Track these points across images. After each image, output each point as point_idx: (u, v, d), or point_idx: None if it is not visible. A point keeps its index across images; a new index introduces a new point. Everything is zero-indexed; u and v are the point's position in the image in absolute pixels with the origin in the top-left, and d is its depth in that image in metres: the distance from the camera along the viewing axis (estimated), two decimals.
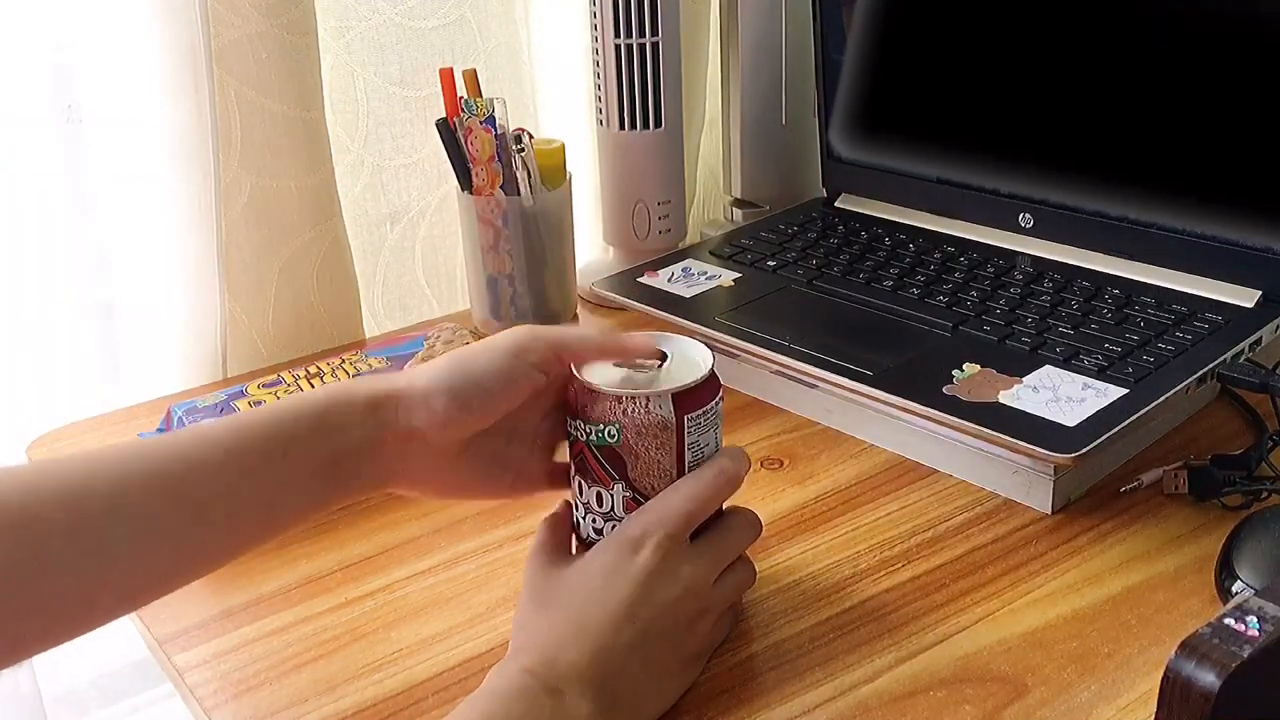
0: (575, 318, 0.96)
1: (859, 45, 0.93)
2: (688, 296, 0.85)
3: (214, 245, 0.84)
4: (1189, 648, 0.43)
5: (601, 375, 0.56)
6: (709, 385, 0.56)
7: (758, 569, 0.60)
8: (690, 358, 0.58)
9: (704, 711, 0.55)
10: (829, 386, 0.75)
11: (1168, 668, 0.43)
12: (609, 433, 0.55)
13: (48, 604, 0.47)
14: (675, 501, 0.55)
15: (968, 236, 0.90)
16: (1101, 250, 0.83)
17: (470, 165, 0.89)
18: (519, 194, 0.89)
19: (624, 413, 0.55)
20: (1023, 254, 0.86)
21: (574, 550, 0.59)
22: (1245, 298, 0.77)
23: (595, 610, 0.53)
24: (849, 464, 0.74)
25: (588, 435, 0.56)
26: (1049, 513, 0.68)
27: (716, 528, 0.57)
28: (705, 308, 0.83)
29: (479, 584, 0.65)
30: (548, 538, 0.58)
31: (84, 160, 0.84)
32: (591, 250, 1.06)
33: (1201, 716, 0.42)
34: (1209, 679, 0.42)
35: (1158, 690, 0.44)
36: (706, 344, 0.59)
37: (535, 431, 0.60)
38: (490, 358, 0.56)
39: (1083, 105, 0.81)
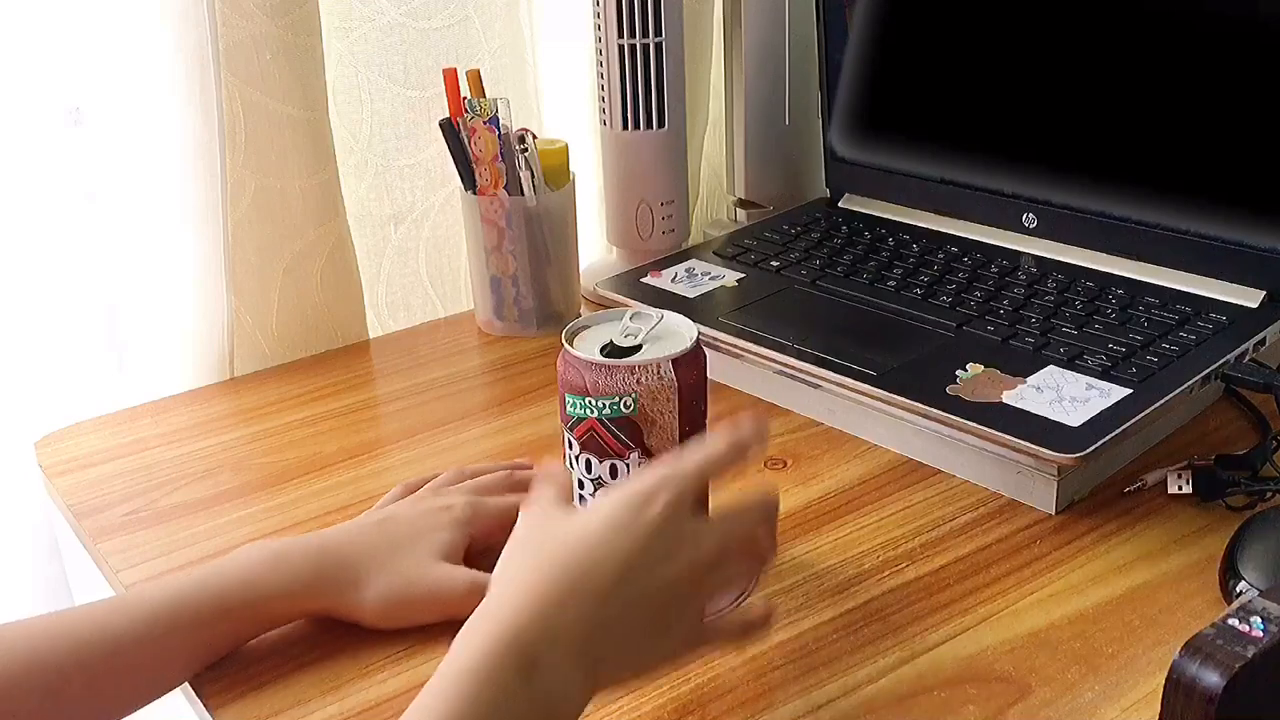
0: (579, 317, 0.97)
1: (862, 45, 0.93)
2: (691, 297, 0.85)
3: (220, 246, 0.84)
4: (1193, 648, 0.43)
5: (592, 350, 0.58)
6: (700, 349, 0.59)
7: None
8: (672, 328, 0.60)
9: (709, 710, 0.55)
10: (832, 387, 0.75)
11: (1172, 668, 0.43)
12: (625, 404, 0.57)
13: None
14: (687, 460, 0.52)
15: (971, 236, 0.90)
16: (1105, 250, 0.83)
17: (474, 165, 0.89)
18: (522, 194, 0.89)
19: (638, 382, 0.56)
20: (1026, 254, 0.86)
21: None
22: (1249, 298, 0.76)
23: (595, 568, 0.49)
24: (852, 464, 0.74)
25: (600, 410, 0.57)
26: (1053, 513, 0.68)
27: (730, 507, 0.53)
28: (709, 308, 0.83)
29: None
30: (545, 490, 0.54)
31: (90, 161, 0.84)
32: (595, 250, 1.06)
33: (1205, 717, 0.42)
34: (1213, 679, 0.42)
35: (1161, 691, 0.44)
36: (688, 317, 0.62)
37: None
38: (429, 609, 0.60)
39: (1086, 105, 0.81)
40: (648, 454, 0.58)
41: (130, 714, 0.56)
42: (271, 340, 0.91)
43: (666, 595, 0.50)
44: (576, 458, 0.59)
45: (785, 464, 0.75)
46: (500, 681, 0.45)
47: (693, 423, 0.58)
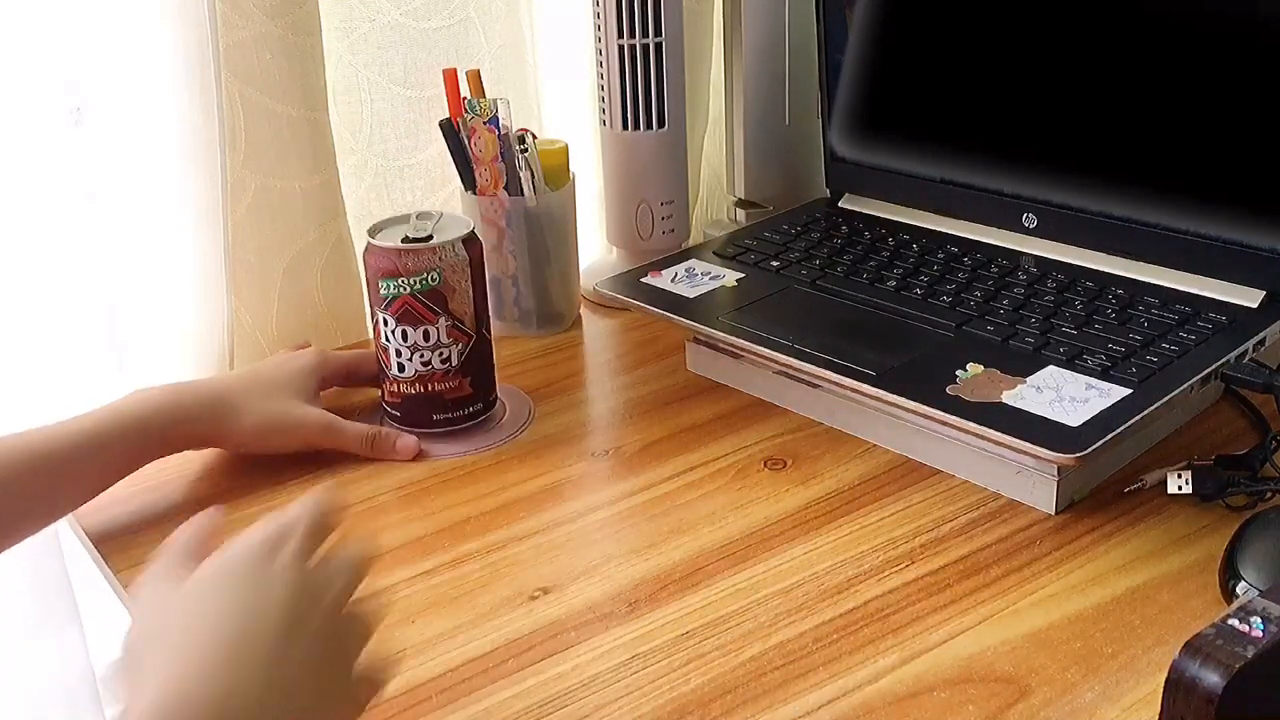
0: (579, 319, 0.97)
1: (862, 45, 0.93)
2: (691, 297, 0.85)
3: (221, 246, 0.84)
4: (1193, 648, 0.43)
5: (393, 239, 0.73)
6: (476, 234, 0.76)
7: (760, 569, 0.60)
8: (451, 220, 0.76)
9: (709, 710, 0.55)
10: (832, 386, 0.75)
11: (1172, 668, 0.43)
12: (431, 278, 0.73)
13: None
14: (284, 517, 0.49)
15: (971, 236, 0.90)
16: (1105, 250, 0.83)
17: (474, 166, 0.89)
18: (522, 194, 0.89)
19: (440, 259, 0.73)
20: (1026, 254, 0.86)
21: (384, 398, 0.79)
22: (1249, 298, 0.76)
23: (251, 631, 0.43)
24: (852, 464, 0.74)
25: (412, 286, 0.73)
26: (1052, 513, 0.68)
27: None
28: (708, 308, 0.83)
29: (482, 584, 0.65)
30: (169, 557, 0.49)
31: (91, 161, 0.84)
32: (595, 250, 1.06)
33: (1205, 717, 0.42)
34: (1213, 679, 0.42)
35: (1161, 691, 0.44)
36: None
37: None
38: (293, 438, 0.76)
39: (1086, 105, 0.81)
40: (452, 317, 0.74)
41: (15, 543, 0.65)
42: (271, 340, 0.91)
43: (330, 638, 0.46)
44: (392, 332, 0.74)
45: (785, 464, 0.75)
46: None
47: (480, 289, 0.75)
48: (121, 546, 0.69)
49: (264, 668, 0.43)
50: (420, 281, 0.73)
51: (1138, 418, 0.66)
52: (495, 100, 0.88)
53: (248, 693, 0.42)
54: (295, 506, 0.50)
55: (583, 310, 0.98)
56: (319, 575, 0.47)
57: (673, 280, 0.87)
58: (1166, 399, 0.67)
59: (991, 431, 0.66)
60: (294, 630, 0.44)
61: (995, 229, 0.88)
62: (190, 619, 0.44)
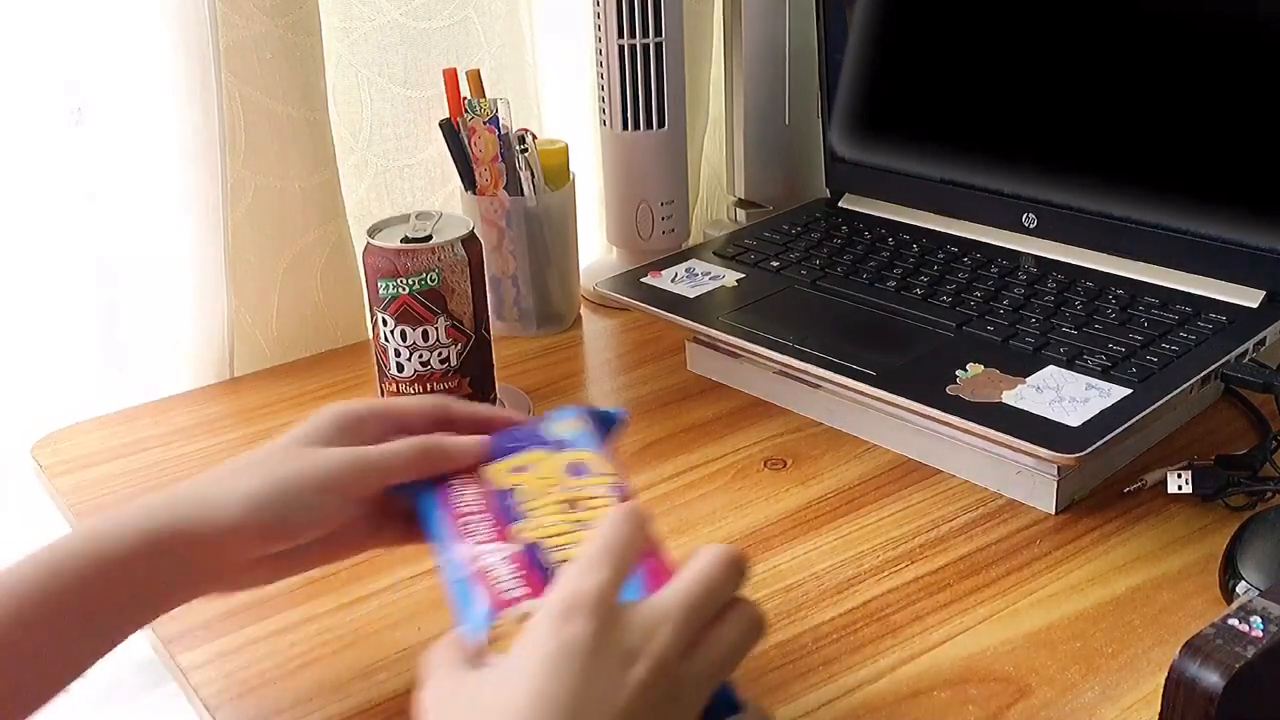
0: (579, 319, 0.97)
1: (862, 45, 0.93)
2: (691, 297, 0.85)
3: (221, 246, 0.84)
4: (1193, 648, 0.43)
5: (392, 240, 0.72)
6: (475, 234, 0.75)
7: (760, 569, 0.60)
8: (451, 220, 0.75)
9: None
10: (832, 387, 0.75)
11: (1172, 668, 0.43)
12: (430, 278, 0.71)
13: None
14: (593, 554, 0.43)
15: (971, 236, 0.89)
16: (1105, 250, 0.83)
17: (474, 166, 0.89)
18: (522, 194, 0.89)
19: (439, 259, 0.72)
20: (1026, 254, 0.86)
21: (380, 391, 0.75)
22: (1249, 298, 0.76)
23: (527, 709, 0.39)
24: (852, 464, 0.74)
25: (411, 287, 0.71)
26: (1052, 513, 0.68)
27: (684, 572, 0.45)
28: (708, 308, 0.83)
29: None
30: (440, 655, 0.45)
31: (91, 161, 0.84)
32: (595, 251, 1.06)
33: (1205, 717, 0.42)
34: (1213, 679, 0.42)
35: (1161, 691, 0.44)
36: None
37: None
38: (307, 494, 0.50)
39: (1086, 105, 0.81)
40: (451, 317, 0.73)
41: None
42: (271, 340, 0.91)
43: (640, 708, 0.40)
44: (391, 332, 0.73)
45: (785, 464, 0.75)
46: None
47: (480, 289, 0.74)
48: None
49: None
50: (419, 282, 0.72)
51: (1138, 418, 0.66)
52: (495, 100, 0.88)
53: None
54: (586, 551, 0.43)
55: (583, 310, 0.98)
56: (620, 633, 0.41)
57: (673, 280, 0.87)
58: (1166, 399, 0.67)
59: (991, 431, 0.66)
60: (591, 708, 0.40)
61: (995, 229, 0.88)
62: (482, 703, 0.40)
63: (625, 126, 0.94)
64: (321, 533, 0.52)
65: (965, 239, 0.89)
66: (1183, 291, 0.79)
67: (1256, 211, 0.75)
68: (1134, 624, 0.59)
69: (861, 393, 0.72)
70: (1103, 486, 0.70)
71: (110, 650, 0.50)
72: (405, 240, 0.73)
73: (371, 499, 0.53)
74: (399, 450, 0.52)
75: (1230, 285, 0.77)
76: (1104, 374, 0.70)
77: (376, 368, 0.78)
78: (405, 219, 0.75)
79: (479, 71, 0.89)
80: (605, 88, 0.94)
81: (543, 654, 0.40)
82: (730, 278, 0.88)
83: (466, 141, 0.88)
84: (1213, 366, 0.70)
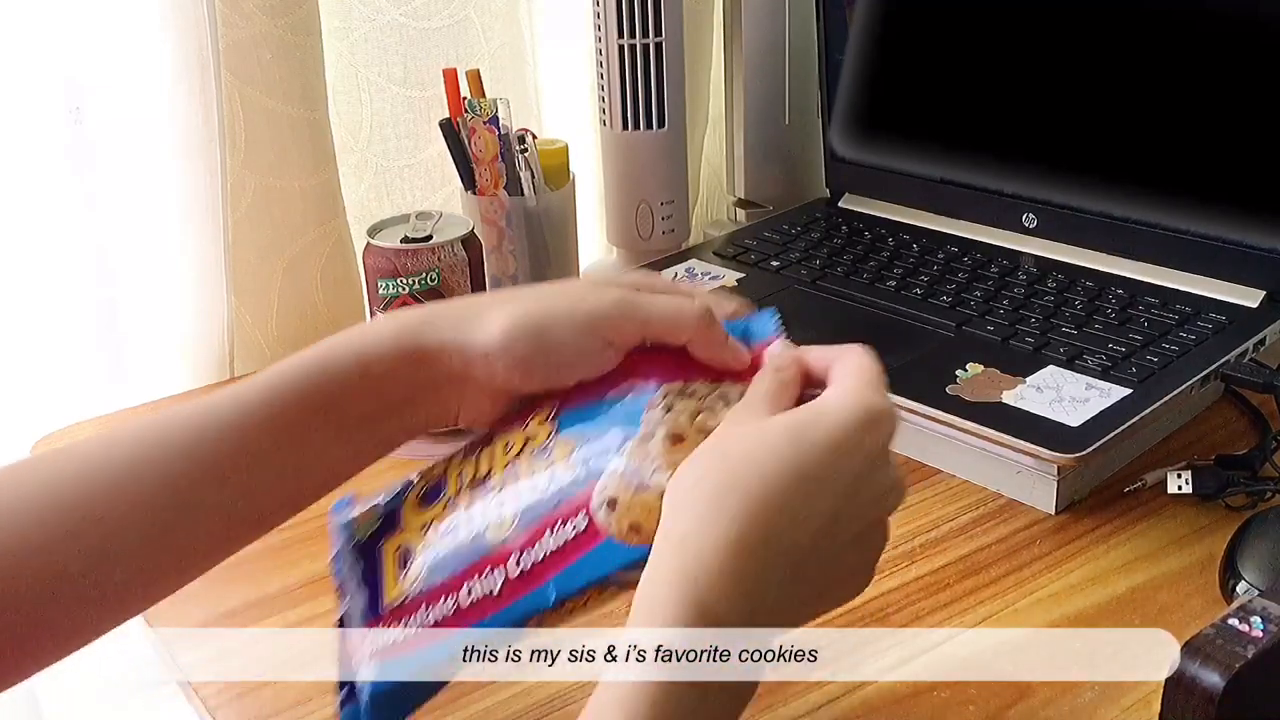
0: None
1: (862, 45, 0.93)
2: None
3: (220, 246, 0.84)
4: (1193, 648, 0.43)
5: (392, 240, 0.73)
6: (475, 234, 0.76)
7: None
8: (450, 220, 0.76)
9: None
10: None
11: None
12: (430, 277, 0.73)
13: (64, 622, 0.46)
14: (876, 378, 0.45)
15: (971, 236, 0.90)
16: (1105, 250, 0.83)
17: (474, 166, 0.89)
18: (522, 194, 0.89)
19: (439, 259, 0.73)
20: (1026, 254, 0.86)
21: None
22: (1249, 298, 0.76)
23: (800, 515, 0.41)
24: None
25: (411, 286, 0.72)
26: (1052, 513, 0.68)
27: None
28: None
29: None
30: (759, 386, 0.48)
31: (90, 160, 0.84)
32: (595, 251, 1.06)
33: (1206, 717, 0.42)
34: (1213, 679, 0.42)
35: (1161, 691, 0.44)
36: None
37: None
38: (571, 331, 0.48)
39: (1086, 105, 0.81)
40: None
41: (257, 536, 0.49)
42: (271, 340, 0.91)
43: (863, 546, 0.44)
44: None
45: None
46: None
47: (480, 289, 0.75)
48: None
49: (789, 566, 0.42)
50: (419, 281, 0.73)
51: (1138, 418, 0.66)
52: (495, 100, 0.88)
53: (759, 588, 0.41)
54: (876, 387, 0.44)
55: None
56: (886, 472, 0.44)
57: (673, 280, 0.87)
58: (1166, 399, 0.67)
59: (991, 431, 0.66)
60: (835, 530, 0.42)
61: (995, 229, 0.88)
62: (758, 485, 0.41)
63: (625, 126, 0.94)
64: (575, 373, 0.49)
65: (965, 239, 0.90)
66: (1183, 291, 0.79)
67: (1256, 211, 0.75)
68: (1134, 624, 0.59)
69: None
70: (1103, 486, 0.70)
71: (358, 467, 0.50)
72: (405, 240, 0.73)
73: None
74: (681, 306, 0.50)
75: (1230, 285, 0.77)
76: (1104, 374, 0.70)
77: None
78: (405, 219, 0.76)
79: (479, 71, 0.89)
80: (605, 88, 0.94)
81: (836, 444, 0.42)
82: (730, 278, 0.88)
83: (466, 141, 0.88)
84: (1212, 366, 0.70)
